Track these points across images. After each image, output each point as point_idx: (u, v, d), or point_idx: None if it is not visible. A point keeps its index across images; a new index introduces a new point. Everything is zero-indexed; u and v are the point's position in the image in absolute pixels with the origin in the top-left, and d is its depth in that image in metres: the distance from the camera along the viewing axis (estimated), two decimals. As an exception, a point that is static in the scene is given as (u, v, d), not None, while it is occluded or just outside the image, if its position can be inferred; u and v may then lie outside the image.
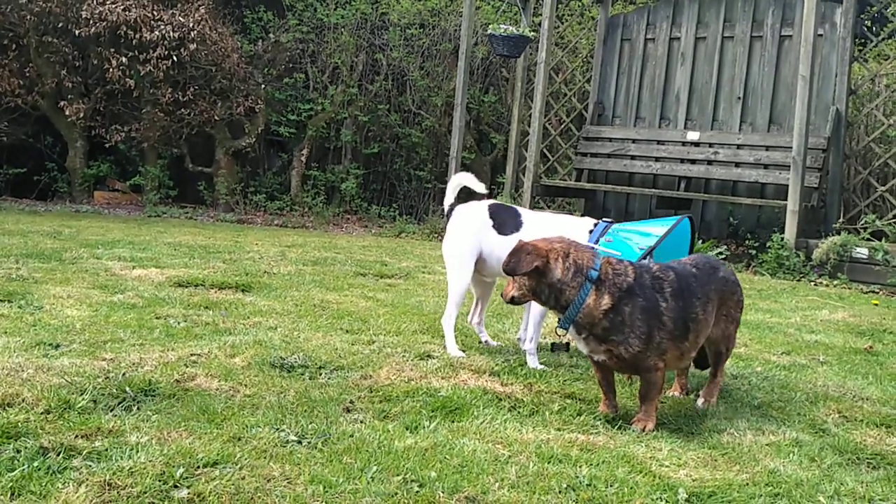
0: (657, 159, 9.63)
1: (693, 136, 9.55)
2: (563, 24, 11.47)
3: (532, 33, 9.74)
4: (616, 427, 2.80)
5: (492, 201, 3.97)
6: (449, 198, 3.98)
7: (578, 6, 11.51)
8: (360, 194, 11.65)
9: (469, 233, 3.76)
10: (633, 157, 9.79)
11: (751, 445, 2.70)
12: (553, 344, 3.06)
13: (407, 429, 2.60)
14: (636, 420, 2.82)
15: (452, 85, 11.15)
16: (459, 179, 4.00)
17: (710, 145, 9.39)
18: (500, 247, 3.60)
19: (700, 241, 8.52)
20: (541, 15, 10.13)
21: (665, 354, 2.80)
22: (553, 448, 2.49)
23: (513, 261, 2.80)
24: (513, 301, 2.90)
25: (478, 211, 3.83)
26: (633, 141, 9.90)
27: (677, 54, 10.00)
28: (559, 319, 2.85)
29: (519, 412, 2.87)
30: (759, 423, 2.94)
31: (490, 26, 9.64)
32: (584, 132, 10.39)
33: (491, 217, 3.78)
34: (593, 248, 2.94)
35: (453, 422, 2.71)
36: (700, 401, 3.13)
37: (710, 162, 9.34)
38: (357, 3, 11.85)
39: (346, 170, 11.69)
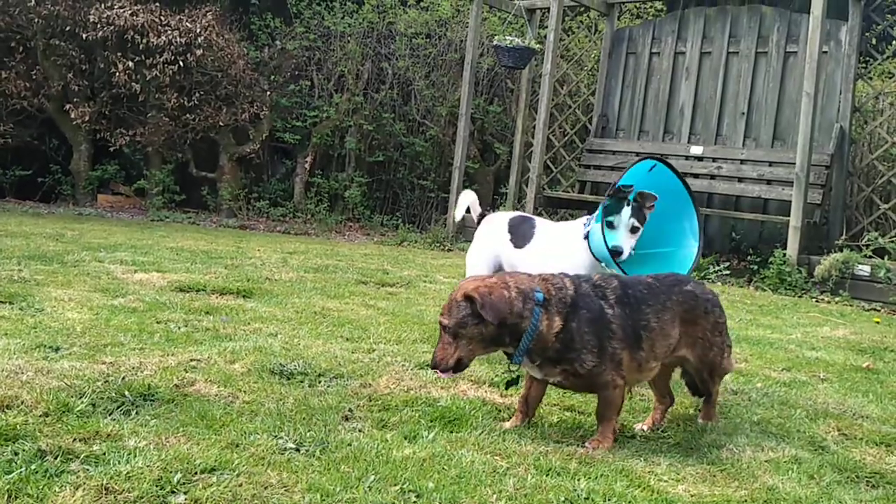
0: (660, 173, 9.61)
1: (696, 150, 9.56)
2: (568, 36, 11.50)
3: (537, 45, 9.78)
4: (615, 440, 2.78)
5: (515, 213, 4.10)
6: (457, 216, 4.14)
7: (585, 19, 11.55)
8: (364, 202, 11.67)
9: (488, 245, 3.90)
10: (636, 171, 9.77)
11: (750, 462, 2.69)
12: (507, 382, 2.86)
13: (405, 438, 2.59)
14: (591, 441, 2.68)
15: (457, 95, 11.18)
16: (466, 199, 4.13)
17: (714, 160, 9.40)
18: (518, 260, 3.78)
19: (702, 257, 8.51)
20: (546, 27, 10.17)
21: (621, 366, 2.67)
22: (551, 460, 2.48)
23: (491, 309, 2.54)
24: (459, 365, 2.63)
25: (499, 224, 3.97)
26: (637, 154, 9.88)
27: (682, 69, 10.02)
28: (510, 356, 2.68)
29: (519, 426, 2.86)
30: (759, 440, 2.93)
31: (496, 37, 9.67)
32: (587, 144, 10.41)
33: (510, 231, 3.92)
34: (528, 273, 2.78)
35: (452, 432, 2.71)
36: (700, 419, 3.09)
37: (713, 176, 9.34)
38: (364, 11, 11.90)
39: (349, 178, 11.71)
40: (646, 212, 3.42)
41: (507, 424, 2.82)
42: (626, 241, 3.39)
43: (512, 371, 2.81)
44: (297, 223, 11.03)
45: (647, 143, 10.01)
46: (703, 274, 8.17)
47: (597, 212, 3.52)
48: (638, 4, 11.68)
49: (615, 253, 3.37)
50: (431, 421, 2.79)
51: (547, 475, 2.37)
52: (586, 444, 2.67)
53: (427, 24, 11.82)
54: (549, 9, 9.96)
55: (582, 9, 11.21)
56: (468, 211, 4.23)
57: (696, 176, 9.38)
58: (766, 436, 3.00)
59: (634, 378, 2.83)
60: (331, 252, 8.03)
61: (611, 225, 3.41)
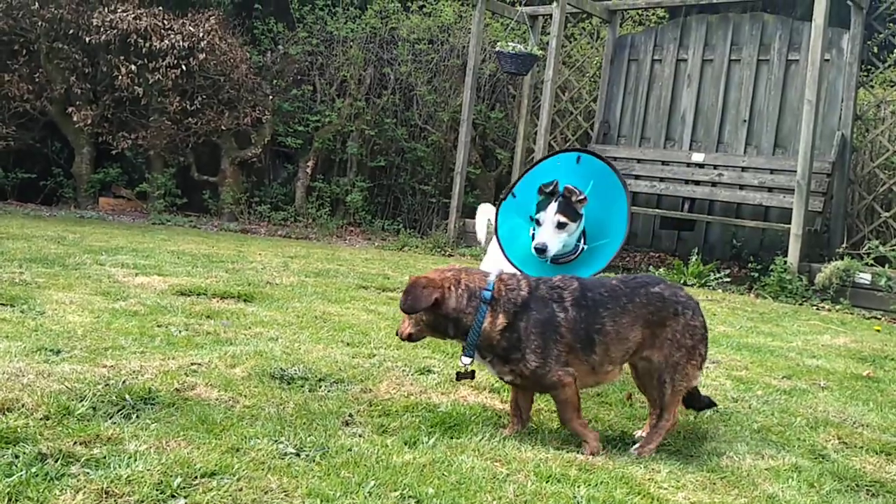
0: (661, 179, 9.64)
1: (698, 157, 9.56)
2: (570, 43, 11.53)
3: (540, 52, 9.79)
4: (615, 447, 2.79)
5: None
6: (480, 234, 4.10)
7: (587, 26, 11.58)
8: (365, 207, 11.68)
9: (500, 260, 3.80)
10: (637, 177, 9.80)
11: (750, 469, 2.69)
12: (458, 373, 2.87)
13: (405, 444, 2.59)
14: (584, 450, 2.69)
15: (459, 101, 11.20)
16: (486, 213, 4.12)
17: (715, 167, 9.40)
18: None
19: (703, 263, 8.52)
20: (549, 34, 10.19)
21: (568, 367, 2.69)
22: (551, 467, 2.48)
23: (409, 298, 2.69)
24: (410, 338, 2.81)
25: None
26: (638, 161, 9.91)
27: (684, 76, 10.04)
28: (463, 349, 2.77)
29: (518, 430, 2.86)
30: (759, 448, 2.93)
31: (498, 44, 9.69)
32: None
33: None
34: (485, 272, 2.84)
35: (452, 438, 2.71)
36: (634, 447, 2.80)
37: (714, 184, 9.35)
38: (367, 17, 11.93)
39: (351, 182, 11.72)
40: (576, 206, 3.32)
41: (506, 431, 2.83)
42: (551, 238, 3.30)
43: (464, 364, 2.80)
44: (299, 227, 11.04)
45: (648, 150, 10.02)
46: (703, 281, 8.17)
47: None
48: (640, 12, 11.71)
49: (539, 251, 3.30)
50: (432, 426, 2.79)
51: (547, 482, 2.37)
52: (583, 451, 2.68)
53: (429, 29, 11.84)
54: (551, 15, 9.98)
55: (584, 15, 11.23)
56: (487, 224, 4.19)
57: (697, 183, 9.39)
58: (767, 444, 3.00)
59: (590, 381, 2.82)
60: (332, 256, 8.03)
61: (538, 223, 3.34)
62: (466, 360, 2.77)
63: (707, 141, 9.80)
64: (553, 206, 3.29)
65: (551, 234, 3.30)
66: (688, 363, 2.83)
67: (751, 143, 9.55)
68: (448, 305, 2.70)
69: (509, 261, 3.49)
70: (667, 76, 10.14)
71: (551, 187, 3.32)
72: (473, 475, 2.36)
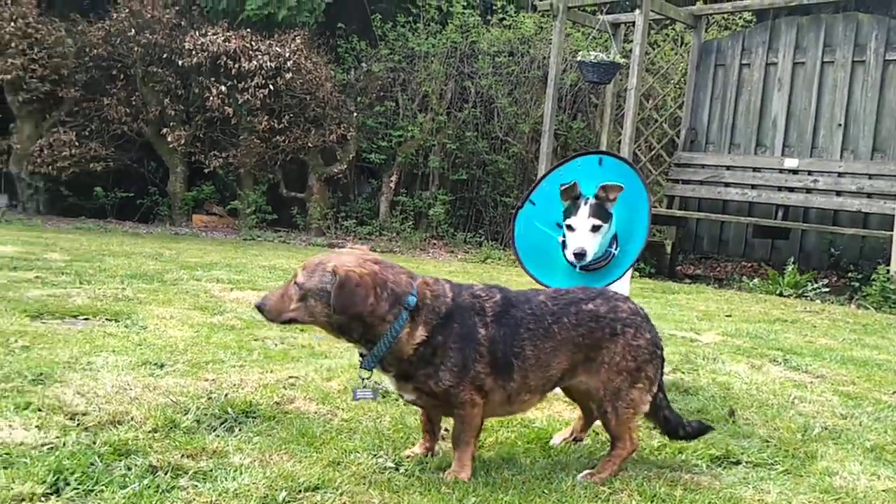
0: (753, 187, 9.35)
1: (791, 163, 9.24)
2: (654, 49, 11.33)
3: (622, 60, 9.66)
4: (721, 466, 2.69)
5: None
6: None
7: (671, 32, 11.37)
8: (447, 220, 11.73)
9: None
10: (727, 185, 9.53)
11: (866, 491, 2.56)
12: (355, 390, 2.47)
13: (503, 460, 2.56)
14: (448, 472, 2.38)
15: (540, 112, 11.14)
16: None
17: (810, 173, 9.06)
18: None
19: (799, 273, 8.21)
20: (631, 41, 10.03)
21: (483, 388, 2.37)
22: (655, 486, 2.41)
23: (343, 297, 2.23)
24: (287, 323, 2.35)
25: None
26: (728, 168, 9.64)
27: (774, 80, 9.73)
28: (362, 358, 2.37)
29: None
30: (874, 467, 2.78)
31: (580, 53, 9.60)
32: (675, 158, 10.20)
33: None
34: (409, 271, 2.46)
35: (549, 455, 2.67)
36: (581, 475, 2.47)
37: (808, 190, 9.00)
38: (448, 32, 12.02)
39: (433, 196, 11.80)
40: (608, 206, 3.20)
41: (417, 449, 2.57)
42: (588, 242, 3.16)
43: (363, 378, 2.41)
44: (383, 241, 11.17)
45: (738, 157, 9.74)
46: (800, 291, 7.87)
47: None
48: (726, 16, 11.42)
49: (579, 255, 3.17)
50: (528, 442, 2.76)
51: (651, 502, 2.31)
52: (444, 474, 2.38)
53: (510, 41, 11.85)
54: (633, 23, 9.83)
55: (668, 22, 11.03)
56: None
57: (791, 190, 9.06)
58: (882, 463, 2.85)
59: (501, 411, 2.52)
60: (416, 269, 8.06)
61: (570, 228, 3.21)
62: (366, 373, 2.39)
63: (800, 146, 9.46)
64: (584, 209, 3.17)
65: (588, 238, 3.17)
66: (632, 388, 2.48)
67: (847, 147, 9.16)
68: (375, 311, 2.29)
69: (528, 272, 3.41)
70: (756, 80, 9.84)
71: (576, 191, 3.21)
72: (575, 493, 2.31)
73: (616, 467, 2.49)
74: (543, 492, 2.31)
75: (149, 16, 10.85)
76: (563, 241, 3.32)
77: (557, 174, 3.41)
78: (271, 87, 10.76)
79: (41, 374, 3.05)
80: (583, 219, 3.17)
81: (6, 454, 2.24)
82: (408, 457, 2.52)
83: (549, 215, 3.38)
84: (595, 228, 3.17)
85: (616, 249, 3.30)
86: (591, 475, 2.46)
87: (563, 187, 3.22)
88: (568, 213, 3.23)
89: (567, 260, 3.30)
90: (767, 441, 3.00)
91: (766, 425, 3.21)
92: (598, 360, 2.48)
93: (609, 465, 2.49)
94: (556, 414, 3.11)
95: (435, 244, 11.37)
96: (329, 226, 11.54)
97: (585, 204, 3.18)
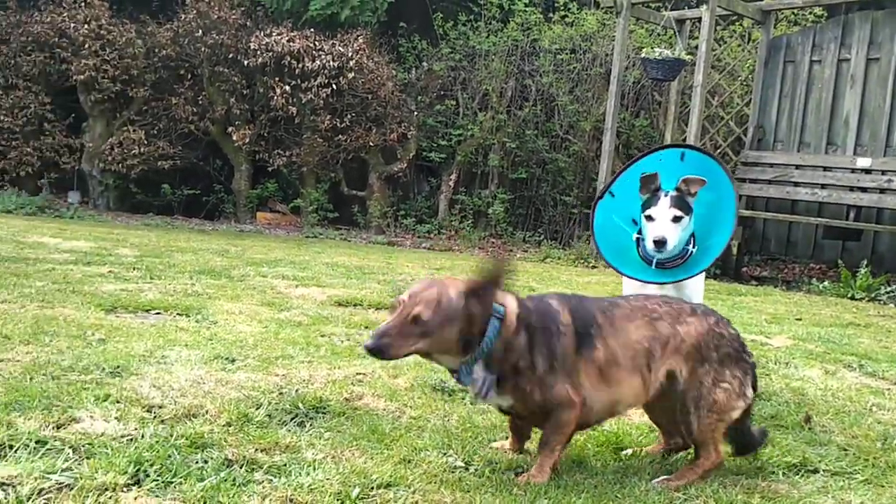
0: (823, 186, 9.09)
1: (864, 162, 8.94)
2: (720, 46, 11.10)
3: (688, 56, 9.48)
4: (798, 474, 2.62)
5: None
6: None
7: (738, 28, 11.12)
8: (506, 219, 11.69)
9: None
10: (796, 184, 9.28)
11: (954, 504, 2.45)
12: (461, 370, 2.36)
13: (574, 463, 2.53)
14: (523, 475, 2.35)
15: (602, 109, 11.02)
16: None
17: (884, 172, 8.76)
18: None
19: (871, 276, 7.95)
20: (697, 38, 9.85)
21: (578, 385, 2.36)
22: (731, 494, 2.35)
23: (475, 308, 2.27)
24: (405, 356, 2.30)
25: None
26: (797, 167, 9.39)
27: (846, 76, 9.43)
28: (456, 373, 2.36)
29: (689, 452, 2.74)
30: (961, 480, 2.67)
31: (644, 50, 9.46)
32: (742, 157, 9.97)
33: None
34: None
35: (620, 459, 2.63)
36: (658, 479, 2.42)
37: (882, 190, 8.70)
38: (509, 30, 11.98)
39: (492, 194, 11.78)
40: (689, 199, 3.11)
41: (507, 444, 2.60)
42: (669, 232, 3.07)
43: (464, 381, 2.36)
44: (442, 240, 11.19)
45: (808, 156, 9.47)
46: (873, 295, 7.62)
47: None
48: (795, 11, 11.12)
49: (659, 243, 3.07)
50: (598, 445, 2.72)
51: (728, 508, 2.25)
52: (518, 477, 2.35)
53: (571, 39, 11.75)
54: (699, 19, 9.65)
55: (735, 17, 10.78)
56: None
57: (863, 190, 8.78)
58: (970, 476, 2.72)
59: (601, 412, 2.47)
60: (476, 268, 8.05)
61: (650, 218, 3.12)
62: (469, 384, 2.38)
63: (873, 145, 9.15)
64: (665, 200, 3.10)
65: (670, 228, 3.09)
66: (715, 386, 2.42)
67: (923, 146, 8.84)
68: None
69: (608, 263, 3.33)
70: (827, 77, 9.56)
71: (656, 182, 3.14)
72: (648, 499, 2.27)
73: (695, 477, 2.40)
74: (616, 496, 2.27)
75: (216, 16, 11.08)
76: (638, 239, 3.27)
77: (638, 166, 3.35)
78: (334, 86, 10.88)
79: (118, 366, 3.13)
80: (663, 209, 3.10)
81: (88, 444, 2.30)
82: (497, 448, 2.58)
83: (626, 210, 3.32)
84: (676, 219, 3.10)
85: (694, 248, 3.23)
86: (667, 481, 2.40)
87: (644, 176, 3.16)
88: (647, 205, 3.16)
89: (642, 256, 3.24)
90: (846, 449, 2.90)
91: (843, 433, 3.11)
92: (679, 341, 2.41)
93: (689, 473, 2.42)
94: (626, 417, 3.06)
95: (494, 243, 11.35)
96: (388, 224, 11.62)
97: (666, 196, 3.12)
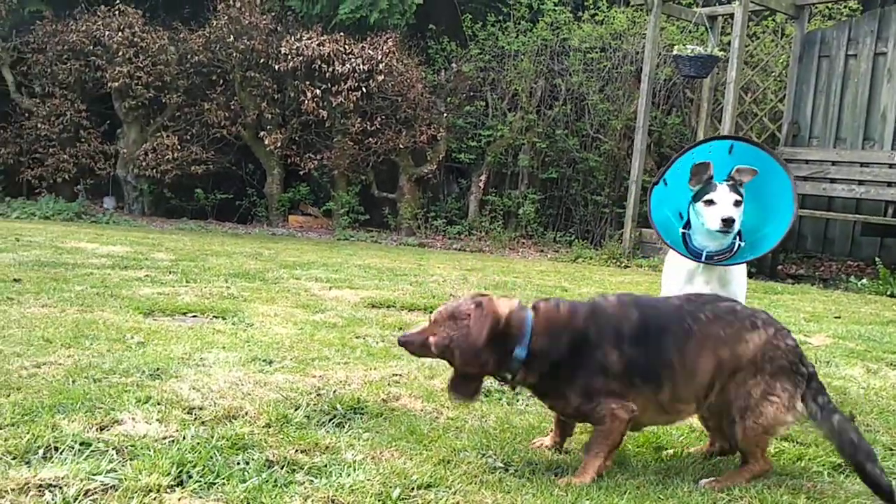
0: (861, 182, 8.94)
1: (902, 157, 8.78)
2: (752, 41, 10.96)
3: (720, 53, 9.38)
4: (843, 475, 2.57)
5: None
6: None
7: (770, 23, 10.97)
8: (537, 219, 11.65)
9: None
10: (832, 180, 9.14)
11: None
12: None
13: (615, 463, 2.51)
14: (566, 477, 2.34)
15: (632, 108, 10.94)
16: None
17: (923, 167, 8.60)
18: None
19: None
20: (729, 34, 9.73)
21: (624, 398, 2.39)
22: (777, 494, 2.31)
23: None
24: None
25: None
26: (833, 163, 9.25)
27: (883, 70, 9.27)
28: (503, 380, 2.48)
29: (732, 456, 2.70)
30: None
31: (676, 47, 9.38)
32: (777, 154, 9.83)
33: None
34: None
35: (661, 460, 2.60)
36: (704, 481, 2.40)
37: (922, 186, 8.54)
38: (538, 29, 11.93)
39: (522, 195, 11.75)
40: (740, 189, 3.08)
41: (547, 440, 2.63)
42: (734, 212, 3.04)
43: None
44: (472, 241, 11.18)
45: (844, 151, 9.32)
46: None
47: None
48: (829, 5, 10.95)
49: (727, 221, 3.02)
50: (639, 446, 2.70)
51: (773, 509, 2.22)
52: (559, 479, 2.33)
53: (601, 37, 11.67)
54: (731, 15, 9.54)
55: (767, 13, 10.65)
56: None
57: (902, 185, 8.62)
58: None
59: (656, 419, 2.54)
60: (507, 269, 8.05)
61: (710, 203, 3.07)
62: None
63: (913, 140, 8.98)
64: (724, 185, 3.06)
65: (734, 209, 3.05)
66: (764, 399, 2.36)
67: (965, 139, 8.66)
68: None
69: (668, 244, 3.28)
70: (863, 72, 9.40)
71: (709, 171, 3.10)
72: (692, 500, 2.24)
73: (742, 481, 2.36)
74: (659, 497, 2.25)
75: (246, 22, 11.17)
76: (684, 234, 3.24)
77: (690, 156, 3.31)
78: (364, 89, 10.93)
79: (157, 369, 3.16)
80: (724, 193, 3.07)
81: (131, 446, 2.33)
82: (537, 446, 2.60)
83: (676, 202, 3.30)
84: (737, 203, 3.07)
85: (742, 242, 3.19)
86: (715, 482, 2.36)
87: (697, 165, 3.13)
88: (703, 192, 3.11)
89: (690, 251, 3.21)
90: (892, 449, 2.85)
91: (888, 432, 3.05)
92: (737, 364, 2.35)
93: (736, 476, 2.39)
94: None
95: (524, 243, 11.32)
96: (419, 225, 11.64)
97: (722, 183, 3.09)
